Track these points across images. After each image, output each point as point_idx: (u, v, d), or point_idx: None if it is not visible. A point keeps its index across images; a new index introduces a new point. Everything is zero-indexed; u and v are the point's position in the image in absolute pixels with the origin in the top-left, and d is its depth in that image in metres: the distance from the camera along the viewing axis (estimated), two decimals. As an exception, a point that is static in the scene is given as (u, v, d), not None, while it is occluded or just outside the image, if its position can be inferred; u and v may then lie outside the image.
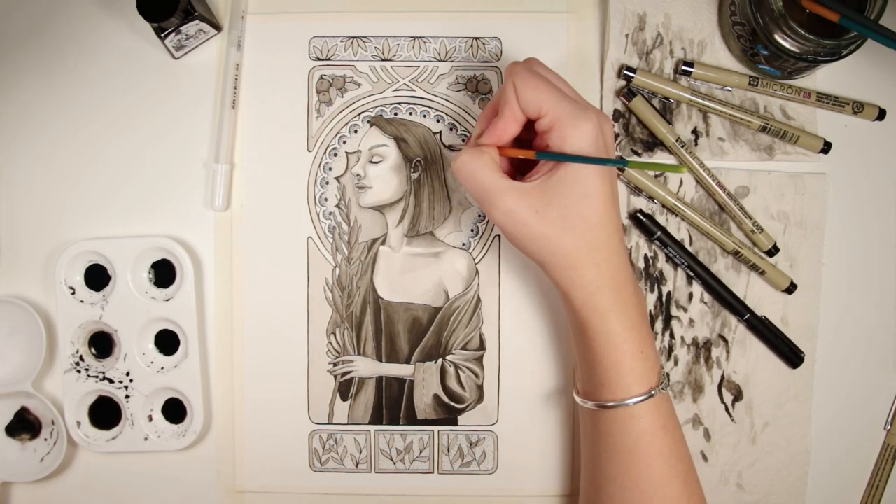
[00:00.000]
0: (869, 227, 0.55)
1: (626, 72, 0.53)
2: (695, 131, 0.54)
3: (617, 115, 0.54)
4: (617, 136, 0.54)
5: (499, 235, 0.55)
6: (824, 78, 0.54)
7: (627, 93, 0.53)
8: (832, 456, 0.55)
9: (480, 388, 0.55)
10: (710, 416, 0.54)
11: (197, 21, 0.50)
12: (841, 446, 0.55)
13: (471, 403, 0.55)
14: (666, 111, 0.54)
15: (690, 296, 0.54)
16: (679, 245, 0.53)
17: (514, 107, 0.43)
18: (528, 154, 0.44)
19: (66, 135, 0.55)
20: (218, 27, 0.54)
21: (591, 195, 0.42)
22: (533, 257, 0.44)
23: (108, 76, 0.55)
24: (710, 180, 0.53)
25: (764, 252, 0.54)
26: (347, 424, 0.55)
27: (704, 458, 0.54)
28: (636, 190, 0.54)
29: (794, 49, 0.48)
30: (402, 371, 0.55)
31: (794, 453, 0.54)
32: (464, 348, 0.55)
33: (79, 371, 0.54)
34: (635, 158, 0.40)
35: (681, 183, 0.54)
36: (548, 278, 0.45)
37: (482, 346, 0.55)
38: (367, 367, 0.55)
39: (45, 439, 0.55)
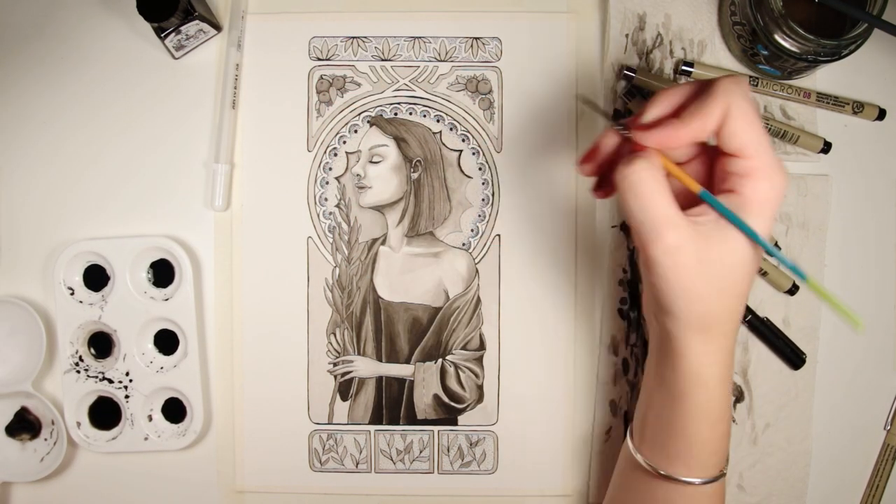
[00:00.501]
0: (868, 227, 0.55)
1: (626, 72, 0.53)
2: (695, 131, 0.54)
3: (617, 115, 0.54)
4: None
5: (499, 235, 0.54)
6: (824, 78, 0.54)
7: (627, 93, 0.53)
8: (832, 456, 0.55)
9: (480, 388, 0.55)
10: (711, 416, 0.54)
11: (197, 21, 0.50)
12: (841, 446, 0.55)
13: (471, 403, 0.55)
14: (666, 111, 0.54)
15: (691, 296, 0.54)
16: (679, 245, 0.53)
17: (709, 126, 0.36)
18: (693, 186, 0.37)
19: (66, 135, 0.55)
20: (218, 27, 0.54)
21: (745, 264, 0.37)
22: (665, 304, 0.37)
23: (108, 76, 0.55)
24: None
25: (764, 252, 0.53)
26: (347, 424, 0.55)
27: (705, 458, 0.54)
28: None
29: (794, 49, 0.48)
30: (402, 371, 0.55)
31: (795, 454, 0.54)
32: (464, 348, 0.55)
33: (78, 371, 0.54)
34: (813, 278, 0.36)
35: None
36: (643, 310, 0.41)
37: (482, 346, 0.55)
38: (367, 367, 0.55)
39: (45, 439, 0.55)
